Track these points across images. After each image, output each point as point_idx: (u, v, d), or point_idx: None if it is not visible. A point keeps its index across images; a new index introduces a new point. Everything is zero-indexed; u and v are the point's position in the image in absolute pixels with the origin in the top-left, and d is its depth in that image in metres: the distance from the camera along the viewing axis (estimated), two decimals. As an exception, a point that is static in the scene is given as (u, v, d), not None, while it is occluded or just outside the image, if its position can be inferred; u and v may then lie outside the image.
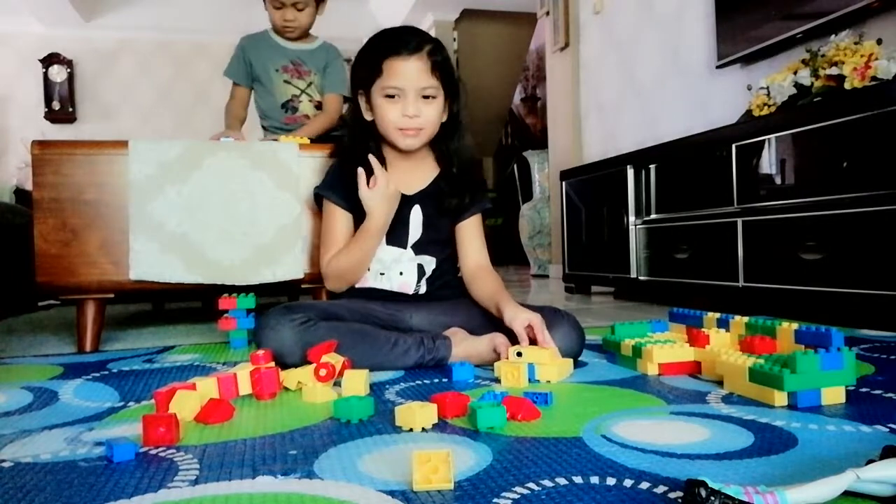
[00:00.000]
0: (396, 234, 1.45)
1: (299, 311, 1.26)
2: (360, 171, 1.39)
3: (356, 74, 1.44)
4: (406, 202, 1.45)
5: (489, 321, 1.37)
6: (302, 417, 0.95)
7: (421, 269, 1.45)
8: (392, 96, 1.36)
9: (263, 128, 2.39)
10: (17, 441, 0.87)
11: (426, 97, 1.37)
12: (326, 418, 0.94)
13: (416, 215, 1.45)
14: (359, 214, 1.44)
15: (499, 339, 1.28)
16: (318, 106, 2.34)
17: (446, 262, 1.50)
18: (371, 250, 1.43)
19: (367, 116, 1.44)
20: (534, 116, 7.67)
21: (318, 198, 1.52)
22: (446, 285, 1.49)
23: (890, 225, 1.60)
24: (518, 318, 1.24)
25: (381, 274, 1.44)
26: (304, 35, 2.34)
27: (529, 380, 1.15)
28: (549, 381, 1.15)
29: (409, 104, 1.35)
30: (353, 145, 1.48)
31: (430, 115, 1.39)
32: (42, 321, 2.49)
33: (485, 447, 0.78)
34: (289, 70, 2.31)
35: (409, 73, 1.34)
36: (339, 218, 1.46)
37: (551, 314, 1.31)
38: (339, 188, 1.46)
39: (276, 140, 1.86)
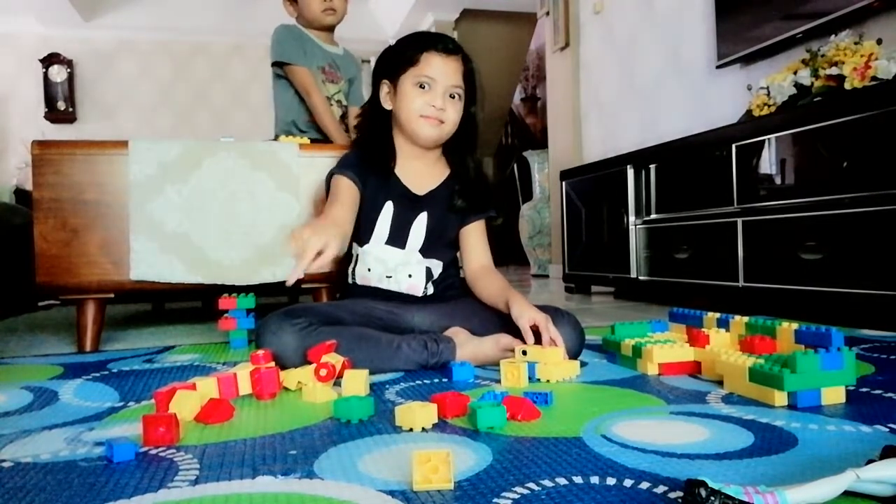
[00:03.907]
0: (397, 236, 1.45)
1: (300, 315, 1.26)
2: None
3: (384, 64, 1.46)
4: (414, 204, 1.46)
5: (489, 321, 1.37)
6: (302, 417, 0.95)
7: (429, 271, 1.46)
8: (423, 86, 1.40)
9: (282, 122, 2.27)
10: (17, 441, 0.87)
11: (452, 97, 1.41)
12: (326, 418, 0.94)
13: (420, 222, 1.45)
14: (367, 203, 1.44)
15: (504, 339, 1.28)
16: (344, 114, 2.30)
17: (452, 263, 1.52)
18: None
19: (387, 105, 1.46)
20: (534, 116, 7.68)
21: (328, 183, 1.50)
22: (451, 286, 1.50)
23: (890, 225, 1.60)
24: (524, 315, 1.25)
25: (388, 277, 1.44)
26: (335, 25, 2.28)
27: (530, 379, 1.15)
28: (549, 381, 1.15)
29: (438, 96, 1.39)
30: (368, 133, 1.50)
31: (453, 113, 1.42)
32: (42, 321, 2.49)
33: (485, 447, 0.78)
34: (326, 72, 2.26)
35: (445, 68, 1.40)
36: (345, 187, 1.43)
37: (552, 314, 1.31)
38: (353, 168, 1.46)
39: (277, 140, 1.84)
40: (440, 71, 1.39)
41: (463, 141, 1.49)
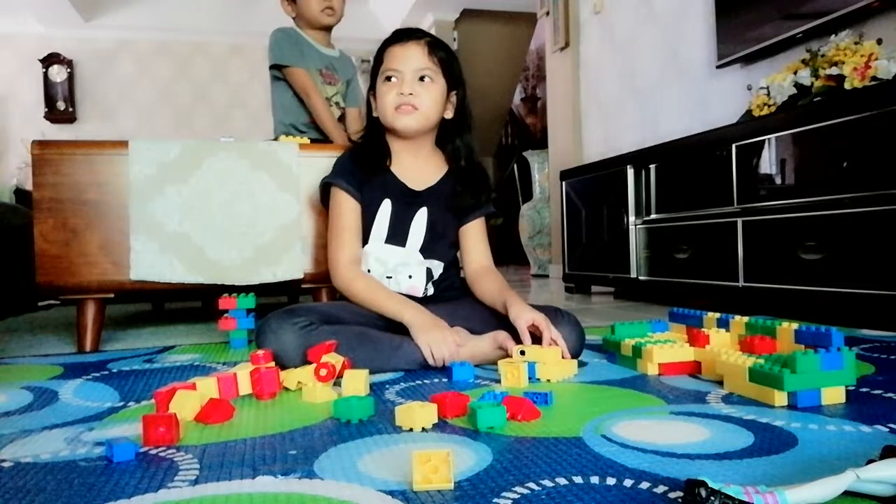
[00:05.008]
0: (397, 234, 1.45)
1: (301, 314, 1.26)
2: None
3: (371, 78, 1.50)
4: (413, 200, 1.46)
5: (489, 321, 1.37)
6: (302, 417, 0.95)
7: (429, 272, 1.46)
8: (390, 79, 1.41)
9: (281, 123, 2.28)
10: (17, 441, 0.87)
11: (423, 79, 1.41)
12: (326, 418, 0.94)
13: (420, 218, 1.45)
14: (364, 203, 1.45)
15: (501, 335, 1.28)
16: (342, 115, 2.30)
17: (453, 264, 1.52)
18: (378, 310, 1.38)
19: (375, 112, 1.48)
20: (534, 116, 7.68)
21: (325, 192, 1.50)
22: (451, 287, 1.50)
23: (890, 225, 1.60)
24: (522, 316, 1.25)
25: (388, 277, 1.44)
26: (333, 26, 2.29)
27: (530, 378, 1.15)
28: (549, 381, 1.15)
29: (405, 84, 1.40)
30: (364, 138, 1.53)
31: (426, 97, 1.41)
32: (42, 321, 2.49)
33: (485, 447, 0.78)
34: (323, 74, 2.26)
35: (405, 54, 1.41)
36: (346, 208, 1.45)
37: (552, 314, 1.31)
38: (346, 174, 1.46)
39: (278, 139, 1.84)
40: (401, 59, 1.40)
41: (455, 126, 1.49)
